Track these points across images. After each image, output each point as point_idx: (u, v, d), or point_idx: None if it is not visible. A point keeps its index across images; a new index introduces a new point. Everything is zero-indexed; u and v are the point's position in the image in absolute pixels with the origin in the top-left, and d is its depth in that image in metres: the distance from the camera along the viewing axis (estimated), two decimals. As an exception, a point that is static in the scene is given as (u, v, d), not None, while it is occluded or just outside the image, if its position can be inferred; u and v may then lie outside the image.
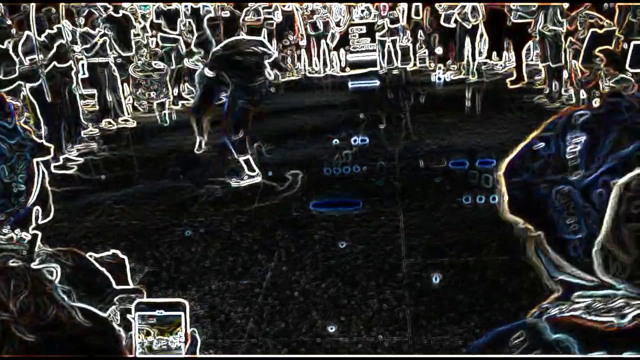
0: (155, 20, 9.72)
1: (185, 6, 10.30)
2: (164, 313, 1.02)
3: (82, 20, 8.92)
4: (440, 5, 10.40)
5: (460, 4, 10.03)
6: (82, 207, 5.80)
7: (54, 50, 7.22)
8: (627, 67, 6.61)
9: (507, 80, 9.90)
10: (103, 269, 1.13)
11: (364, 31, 11.47)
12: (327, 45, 11.54)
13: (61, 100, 7.37)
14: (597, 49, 6.89)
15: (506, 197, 0.98)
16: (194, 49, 9.67)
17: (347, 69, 11.63)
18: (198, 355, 1.11)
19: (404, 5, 11.49)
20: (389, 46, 11.58)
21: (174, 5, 9.97)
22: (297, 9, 11.18)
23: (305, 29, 11.31)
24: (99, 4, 9.01)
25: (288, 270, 4.37)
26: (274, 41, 10.74)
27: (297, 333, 3.61)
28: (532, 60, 10.36)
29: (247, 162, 6.27)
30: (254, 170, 6.24)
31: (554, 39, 8.32)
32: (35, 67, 6.92)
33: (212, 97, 6.86)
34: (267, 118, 7.67)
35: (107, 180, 6.71)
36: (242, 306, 3.94)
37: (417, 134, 7.51)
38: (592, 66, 7.02)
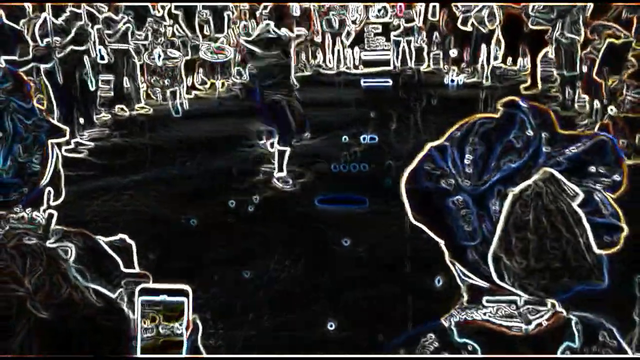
0: (173, 11, 9.75)
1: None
2: (168, 299, 1.03)
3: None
4: (457, 8, 10.36)
5: (477, 7, 9.98)
6: (91, 190, 5.85)
7: (72, 34, 7.26)
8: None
9: (521, 86, 9.85)
10: (112, 252, 1.15)
11: (380, 30, 11.45)
12: (342, 42, 11.53)
13: (75, 84, 7.42)
14: (630, 53, 6.81)
15: (408, 206, 1.00)
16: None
17: (361, 67, 11.62)
18: (200, 350, 1.12)
19: (420, 6, 11.46)
20: (403, 46, 11.56)
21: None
22: (313, 6, 11.17)
23: (321, 26, 11.30)
24: None
25: (289, 265, 4.39)
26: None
27: (297, 328, 3.63)
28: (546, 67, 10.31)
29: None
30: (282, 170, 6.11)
31: (570, 47, 8.27)
32: (50, 49, 6.96)
33: None
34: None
35: (116, 165, 6.75)
36: (243, 298, 3.96)
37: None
38: (618, 75, 6.95)
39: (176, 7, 9.76)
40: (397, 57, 11.57)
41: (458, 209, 0.91)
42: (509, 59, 11.22)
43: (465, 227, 0.91)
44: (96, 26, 8.55)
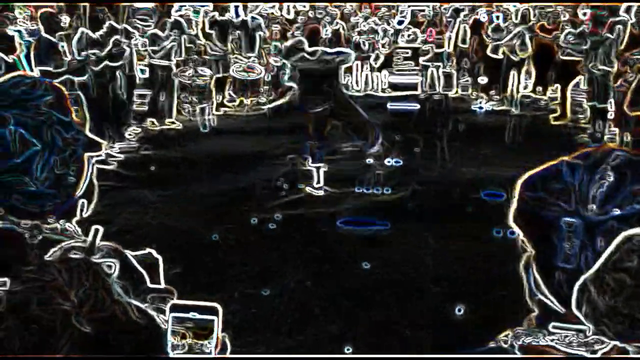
0: (207, 30, 9.94)
1: (237, 17, 10.50)
2: (198, 316, 1.04)
3: (151, 22, 9.20)
4: (487, 36, 10.36)
5: (508, 36, 9.97)
6: (119, 202, 5.93)
7: (109, 47, 7.44)
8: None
9: (551, 116, 9.77)
10: (139, 267, 1.17)
11: (409, 54, 11.49)
12: (371, 65, 11.59)
13: (108, 97, 7.58)
14: None
15: (515, 206, 0.99)
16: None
17: (388, 90, 11.65)
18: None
19: (451, 33, 11.49)
20: (432, 71, 11.58)
21: (227, 16, 10.18)
22: (344, 28, 11.28)
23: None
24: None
25: (310, 285, 4.38)
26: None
27: (313, 350, 3.61)
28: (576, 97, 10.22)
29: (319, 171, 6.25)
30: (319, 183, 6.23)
31: (602, 78, 8.20)
32: (85, 62, 7.13)
33: None
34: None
35: (145, 178, 6.85)
36: (262, 315, 3.96)
37: (452, 161, 7.46)
38: None
39: (210, 27, 9.94)
40: (425, 82, 11.58)
41: (567, 230, 0.91)
42: (539, 88, 11.15)
43: (567, 249, 0.91)
44: (135, 41, 8.77)
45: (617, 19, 8.10)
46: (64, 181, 1.17)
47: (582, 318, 0.86)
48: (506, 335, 0.96)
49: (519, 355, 0.91)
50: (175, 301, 1.10)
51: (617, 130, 8.02)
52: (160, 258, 1.36)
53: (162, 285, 1.26)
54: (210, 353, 1.05)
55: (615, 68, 8.06)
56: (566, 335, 0.88)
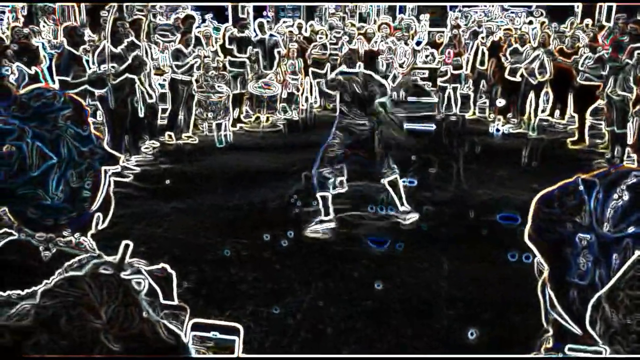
0: (227, 46, 10.04)
1: (256, 36, 10.63)
2: (219, 336, 1.03)
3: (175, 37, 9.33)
4: (506, 58, 10.35)
5: (528, 59, 9.94)
6: (134, 215, 5.96)
7: (129, 61, 7.53)
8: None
9: (568, 140, 9.70)
10: (152, 282, 1.16)
11: (426, 75, 11.50)
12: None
13: (126, 110, 7.66)
14: None
15: (530, 223, 0.99)
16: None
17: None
18: None
19: (469, 54, 11.50)
20: (449, 92, 11.57)
21: (246, 33, 10.29)
22: (361, 44, 11.34)
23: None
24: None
25: (322, 304, 4.34)
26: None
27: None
28: (595, 122, 10.15)
29: (325, 200, 5.79)
30: (328, 214, 5.78)
31: (621, 104, 8.13)
32: (105, 75, 7.22)
33: None
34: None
35: (160, 191, 6.88)
36: (272, 333, 3.93)
37: (468, 182, 7.42)
38: None
39: (230, 43, 10.05)
40: (442, 103, 11.57)
41: (582, 247, 0.90)
42: (557, 112, 11.09)
43: (581, 265, 0.90)
44: (163, 54, 8.89)
45: (637, 44, 8.04)
46: (79, 195, 1.17)
47: (595, 336, 0.84)
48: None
49: (520, 355, 0.90)
50: (197, 320, 1.09)
51: (635, 156, 7.94)
52: (174, 273, 1.35)
53: (175, 302, 1.25)
54: None
55: (635, 94, 7.98)
56: (583, 357, 0.87)
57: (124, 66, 7.47)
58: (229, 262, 5.01)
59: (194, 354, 1.02)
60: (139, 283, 1.00)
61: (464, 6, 18.69)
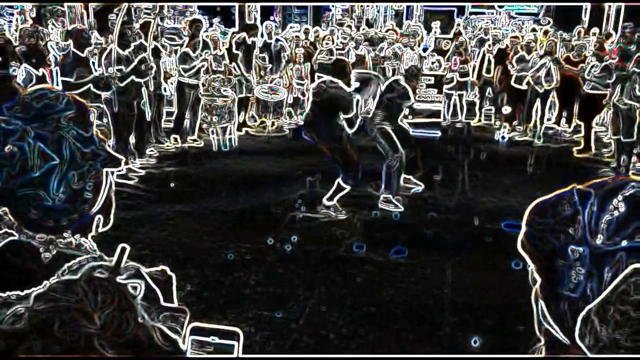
0: (234, 51, 10.06)
1: (263, 39, 10.65)
2: (218, 340, 1.02)
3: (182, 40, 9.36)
4: (512, 66, 10.33)
5: (534, 67, 9.92)
6: (137, 218, 5.97)
7: (135, 63, 7.56)
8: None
9: (574, 149, 9.67)
10: (153, 284, 1.15)
11: (432, 82, 11.48)
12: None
13: (133, 113, 7.68)
14: None
15: (523, 232, 0.98)
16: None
17: (410, 116, 11.63)
18: None
19: (475, 62, 11.48)
20: (455, 99, 11.55)
21: (252, 39, 10.30)
22: (368, 52, 11.34)
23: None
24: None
25: (325, 309, 4.33)
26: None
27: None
28: (600, 131, 10.11)
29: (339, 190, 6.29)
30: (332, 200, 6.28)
31: (628, 112, 8.10)
32: (110, 78, 7.23)
33: None
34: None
35: (165, 194, 6.89)
36: (275, 338, 3.92)
37: (473, 189, 7.39)
38: None
39: (237, 48, 10.07)
40: (447, 110, 11.55)
41: (574, 258, 0.89)
42: (563, 121, 11.05)
43: (573, 277, 0.89)
44: (170, 58, 8.91)
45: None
46: (80, 196, 1.17)
47: (584, 349, 0.83)
48: None
49: (520, 355, 0.90)
50: (196, 324, 1.08)
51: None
52: (173, 276, 1.34)
53: (175, 304, 1.24)
54: None
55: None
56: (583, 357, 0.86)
57: (129, 69, 7.49)
58: (233, 265, 5.01)
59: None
60: (135, 287, 0.98)
61: (471, 13, 18.69)
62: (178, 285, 1.34)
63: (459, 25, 13.15)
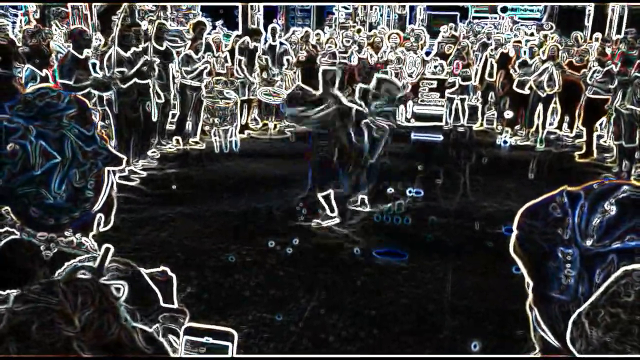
0: (238, 56, 10.07)
1: (266, 42, 10.66)
2: (212, 341, 1.01)
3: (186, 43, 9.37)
4: (514, 70, 10.33)
5: (537, 72, 9.92)
6: (138, 219, 5.97)
7: (138, 66, 7.56)
8: None
9: (576, 154, 9.65)
10: (153, 285, 1.15)
11: (434, 86, 11.48)
12: (396, 94, 11.59)
13: (136, 115, 7.68)
14: None
15: (515, 235, 0.97)
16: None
17: (412, 120, 11.64)
18: None
19: (477, 66, 11.49)
20: (457, 103, 11.55)
21: (254, 44, 10.31)
22: (371, 55, 11.34)
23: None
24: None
25: (325, 312, 4.32)
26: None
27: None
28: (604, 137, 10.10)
29: (327, 199, 6.23)
30: (333, 210, 6.20)
31: (630, 118, 8.09)
32: (111, 79, 7.23)
33: None
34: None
35: (166, 196, 6.89)
36: (275, 340, 3.91)
37: (474, 194, 7.38)
38: None
39: (240, 53, 10.08)
40: (449, 114, 11.55)
41: (564, 261, 0.88)
42: (565, 126, 11.05)
43: (563, 280, 0.88)
44: (175, 61, 8.92)
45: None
46: (82, 195, 1.17)
47: (575, 353, 0.83)
48: None
49: (520, 356, 0.89)
50: (190, 324, 1.07)
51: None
52: (174, 276, 1.34)
53: (175, 305, 1.24)
54: None
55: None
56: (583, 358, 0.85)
57: (132, 71, 7.50)
58: (233, 267, 5.00)
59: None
60: (118, 289, 0.97)
61: (474, 17, 18.69)
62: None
63: (451, 28, 13.09)
